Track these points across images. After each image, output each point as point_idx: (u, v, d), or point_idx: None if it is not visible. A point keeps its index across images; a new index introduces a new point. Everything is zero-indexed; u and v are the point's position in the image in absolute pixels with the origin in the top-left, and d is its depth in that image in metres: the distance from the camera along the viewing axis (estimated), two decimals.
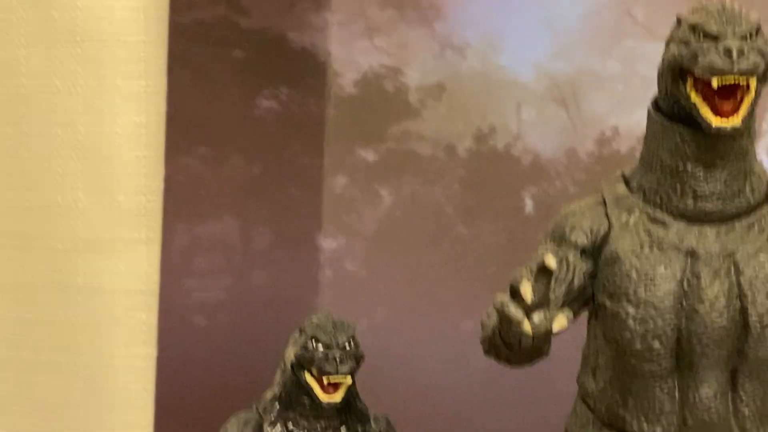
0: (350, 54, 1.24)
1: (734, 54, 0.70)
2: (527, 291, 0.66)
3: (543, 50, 1.23)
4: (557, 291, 0.74)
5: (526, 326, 0.67)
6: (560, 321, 0.68)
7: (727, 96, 0.72)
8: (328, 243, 1.27)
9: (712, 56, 0.71)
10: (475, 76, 1.24)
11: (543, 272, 0.67)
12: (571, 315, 0.70)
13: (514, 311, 0.67)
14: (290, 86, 1.23)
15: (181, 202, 1.26)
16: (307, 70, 1.23)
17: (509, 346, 0.73)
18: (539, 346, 0.72)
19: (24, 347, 1.25)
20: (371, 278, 1.27)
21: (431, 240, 1.24)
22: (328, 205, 1.26)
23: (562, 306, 0.73)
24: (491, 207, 1.23)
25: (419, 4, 1.26)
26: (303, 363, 0.82)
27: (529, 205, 1.19)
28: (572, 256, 0.77)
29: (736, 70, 0.70)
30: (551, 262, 0.67)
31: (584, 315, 0.82)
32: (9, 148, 1.24)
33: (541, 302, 0.68)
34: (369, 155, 1.26)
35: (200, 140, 1.27)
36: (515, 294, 0.67)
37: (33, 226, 1.24)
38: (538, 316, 0.68)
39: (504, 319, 0.68)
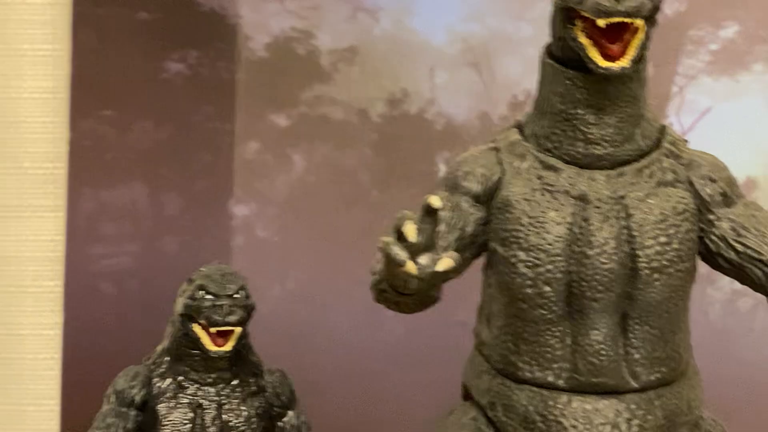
0: (261, 17, 1.23)
1: None
2: (410, 230, 0.66)
3: (456, 13, 1.23)
4: (449, 237, 0.75)
5: (411, 267, 0.66)
6: (445, 262, 0.67)
7: (614, 38, 0.72)
8: (239, 209, 1.26)
9: None
10: (387, 40, 1.24)
11: (429, 213, 0.66)
12: (458, 257, 0.69)
13: (399, 252, 0.66)
14: (199, 49, 1.22)
15: (86, 167, 1.25)
16: (217, 33, 1.22)
17: (397, 291, 0.73)
18: (427, 290, 0.73)
19: None
20: (284, 244, 1.26)
21: (345, 205, 1.24)
22: (239, 171, 1.25)
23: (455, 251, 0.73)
24: (405, 172, 1.22)
25: None
26: (191, 313, 0.81)
27: (442, 169, 1.18)
28: (465, 203, 0.77)
29: (621, 9, 0.70)
30: (435, 201, 0.66)
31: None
32: None
33: (428, 245, 0.68)
34: (281, 120, 1.25)
35: (106, 104, 1.25)
36: (401, 236, 0.67)
37: None
38: (424, 259, 0.67)
39: (388, 260, 0.67)
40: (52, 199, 1.21)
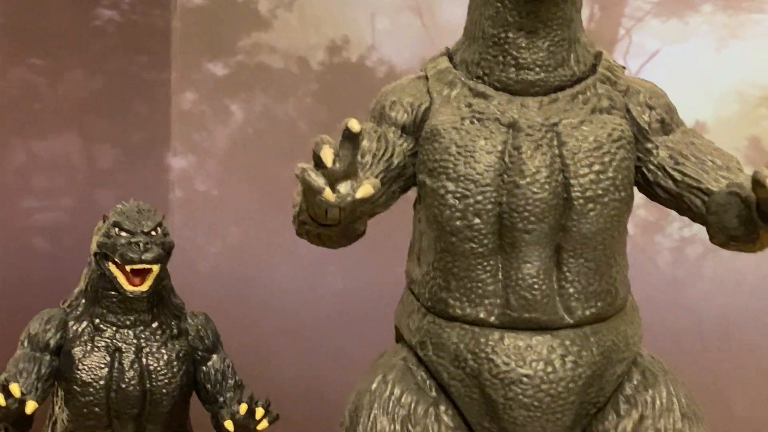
0: None
1: None
2: (327, 155, 0.63)
3: None
4: (375, 169, 0.73)
5: (328, 194, 0.64)
6: (365, 189, 0.65)
7: None
8: (177, 161, 1.25)
9: None
10: None
11: (348, 138, 0.63)
12: (378, 184, 0.66)
13: (315, 178, 0.63)
14: None
15: (16, 117, 1.23)
16: None
17: (318, 222, 0.70)
18: (351, 221, 0.70)
19: None
20: (224, 198, 1.25)
21: (285, 157, 1.22)
22: (176, 122, 1.23)
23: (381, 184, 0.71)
24: None
25: None
26: (106, 251, 0.80)
27: None
28: (392, 134, 0.76)
29: None
30: (354, 125, 0.63)
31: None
32: None
33: (349, 172, 0.65)
34: (218, 69, 1.24)
35: (35, 52, 1.22)
36: (319, 162, 0.64)
37: None
38: (344, 186, 0.64)
39: (306, 187, 0.65)
40: None
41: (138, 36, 1.21)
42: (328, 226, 0.71)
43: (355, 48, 1.22)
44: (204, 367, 0.89)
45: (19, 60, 1.21)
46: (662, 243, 1.23)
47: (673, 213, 0.82)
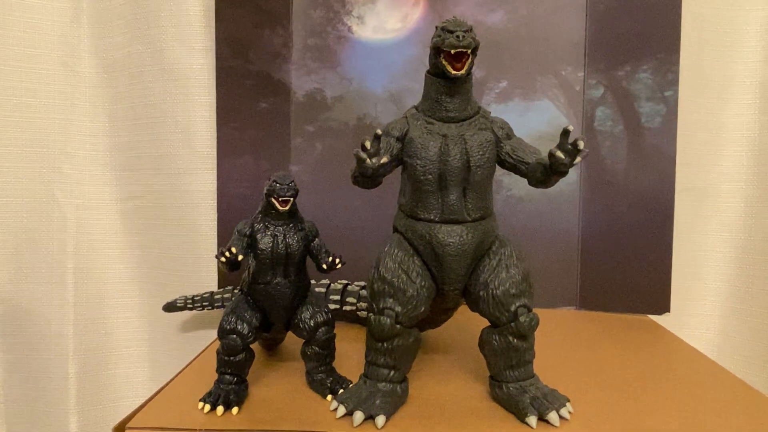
0: None
1: (460, 37, 1.13)
2: (368, 144, 1.13)
3: None
4: (386, 154, 1.19)
5: (368, 162, 1.14)
6: (383, 160, 1.15)
7: (458, 59, 1.16)
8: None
9: (451, 39, 1.14)
10: None
11: (376, 138, 1.14)
12: (388, 159, 1.16)
13: (362, 154, 1.13)
14: None
15: None
16: None
17: (361, 174, 1.18)
18: (375, 175, 1.19)
19: None
20: (318, 179, 1.82)
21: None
22: None
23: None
24: None
25: None
26: (270, 193, 1.26)
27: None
28: (393, 140, 1.24)
29: (463, 44, 1.13)
30: (378, 132, 1.14)
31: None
32: None
33: (376, 152, 1.15)
34: None
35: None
36: (363, 148, 1.13)
37: None
38: (375, 159, 1.15)
39: (358, 159, 1.13)
40: None
41: None
42: (366, 177, 1.18)
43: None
44: (312, 243, 1.33)
45: None
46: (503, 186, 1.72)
47: (518, 177, 1.27)
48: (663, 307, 1.89)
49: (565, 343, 1.61)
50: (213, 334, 1.78)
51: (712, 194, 2.00)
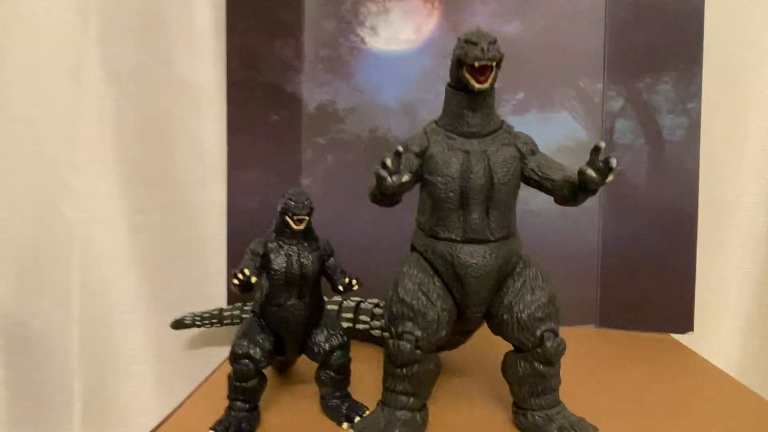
0: None
1: (485, 50, 1.07)
2: (389, 161, 1.09)
3: None
4: (405, 171, 1.14)
5: (388, 180, 1.10)
6: (404, 177, 1.11)
7: (482, 73, 1.10)
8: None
9: (475, 51, 1.08)
10: None
11: (396, 155, 1.10)
12: (409, 177, 1.11)
13: (382, 172, 1.09)
14: None
15: None
16: None
17: (381, 193, 1.13)
18: (396, 193, 1.13)
19: None
20: (329, 192, 1.81)
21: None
22: None
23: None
24: None
25: None
26: (285, 211, 1.20)
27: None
28: (412, 156, 1.18)
29: (488, 57, 1.08)
30: (399, 149, 1.10)
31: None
32: None
33: (396, 170, 1.11)
34: None
35: None
36: (384, 165, 1.09)
37: None
38: (395, 177, 1.11)
39: (378, 177, 1.09)
40: None
41: None
42: (385, 195, 1.13)
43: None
44: (327, 263, 1.27)
45: None
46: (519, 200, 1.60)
47: (535, 190, 1.21)
48: (686, 326, 1.85)
49: (587, 365, 1.58)
50: (222, 351, 1.74)
51: (734, 208, 1.96)
